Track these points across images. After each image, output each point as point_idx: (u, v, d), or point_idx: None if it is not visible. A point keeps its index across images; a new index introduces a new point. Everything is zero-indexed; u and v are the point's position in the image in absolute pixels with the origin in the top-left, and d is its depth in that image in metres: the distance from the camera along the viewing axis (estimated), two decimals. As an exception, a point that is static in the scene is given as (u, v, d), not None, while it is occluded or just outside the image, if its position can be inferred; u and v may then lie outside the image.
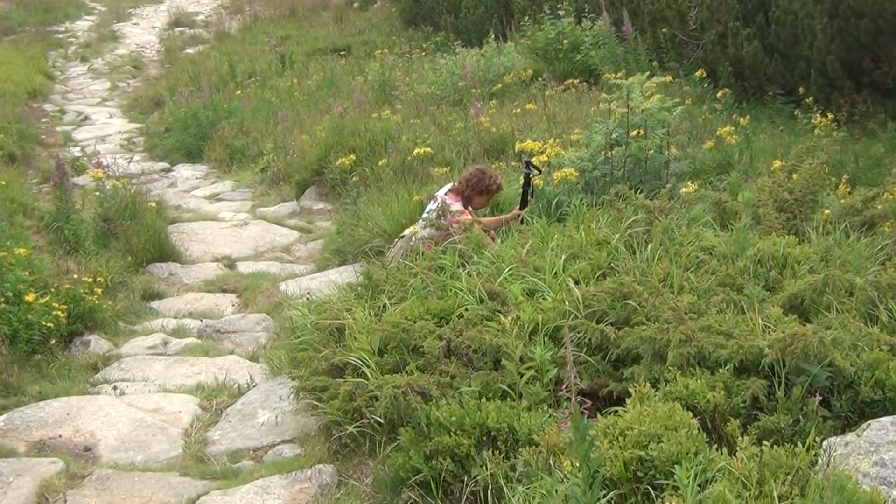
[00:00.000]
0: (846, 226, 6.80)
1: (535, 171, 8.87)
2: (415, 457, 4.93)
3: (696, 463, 3.98)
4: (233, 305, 9.22)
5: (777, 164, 8.58)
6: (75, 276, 8.50)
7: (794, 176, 7.64)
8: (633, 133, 9.06)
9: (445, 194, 8.54)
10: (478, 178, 8.52)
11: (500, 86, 15.62)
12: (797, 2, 12.31)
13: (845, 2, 11.70)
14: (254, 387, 6.97)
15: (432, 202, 8.52)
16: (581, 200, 7.81)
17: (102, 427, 6.35)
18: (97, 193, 10.72)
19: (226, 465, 5.89)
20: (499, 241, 7.66)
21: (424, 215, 8.55)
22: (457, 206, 8.38)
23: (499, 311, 5.83)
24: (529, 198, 8.75)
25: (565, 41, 16.46)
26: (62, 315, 7.69)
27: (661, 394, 4.71)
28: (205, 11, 35.00)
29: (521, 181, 8.81)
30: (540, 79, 15.51)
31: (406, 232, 8.75)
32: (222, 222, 12.12)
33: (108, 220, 10.33)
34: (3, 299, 7.46)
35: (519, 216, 8.57)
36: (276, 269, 10.25)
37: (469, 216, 8.32)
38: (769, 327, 5.14)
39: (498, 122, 12.40)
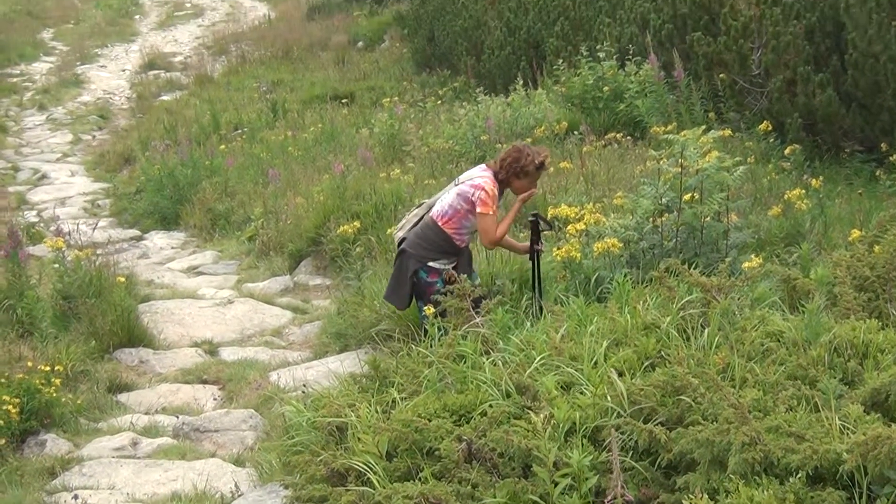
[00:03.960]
0: (939, 307, 6.82)
1: (546, 227, 8.91)
2: (430, 580, 4.93)
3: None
4: (214, 399, 9.24)
5: (856, 233, 8.60)
6: (30, 363, 8.52)
7: (877, 248, 7.66)
8: (687, 197, 9.11)
9: (483, 171, 8.63)
10: (514, 157, 8.47)
11: (529, 140, 15.68)
12: (878, 43, 12.40)
13: (935, 42, 11.80)
14: (240, 496, 6.97)
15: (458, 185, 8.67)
16: (625, 276, 7.83)
17: (60, 545, 6.37)
18: (56, 266, 10.75)
19: None
20: (528, 324, 7.68)
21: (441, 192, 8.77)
22: (488, 177, 8.46)
23: (529, 408, 5.83)
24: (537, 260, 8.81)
25: (606, 88, 16.62)
26: (14, 410, 7.72)
27: (722, 507, 4.71)
28: (183, 52, 35.39)
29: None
30: (576, 132, 15.64)
31: (426, 200, 8.90)
32: (203, 300, 12.18)
33: (69, 298, 10.37)
34: (-56, 391, 7.51)
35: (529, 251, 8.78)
36: (265, 355, 10.28)
37: (493, 211, 8.43)
38: (848, 428, 5.14)
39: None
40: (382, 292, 9.90)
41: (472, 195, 8.32)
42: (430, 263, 8.36)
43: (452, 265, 8.49)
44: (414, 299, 8.56)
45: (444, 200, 8.47)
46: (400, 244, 8.55)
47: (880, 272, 7.26)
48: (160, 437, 8.27)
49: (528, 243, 8.61)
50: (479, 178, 8.43)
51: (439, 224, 8.35)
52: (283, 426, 7.48)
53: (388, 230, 11.72)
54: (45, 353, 9.03)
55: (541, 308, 8.26)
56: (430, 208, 8.57)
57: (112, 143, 23.80)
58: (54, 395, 8.23)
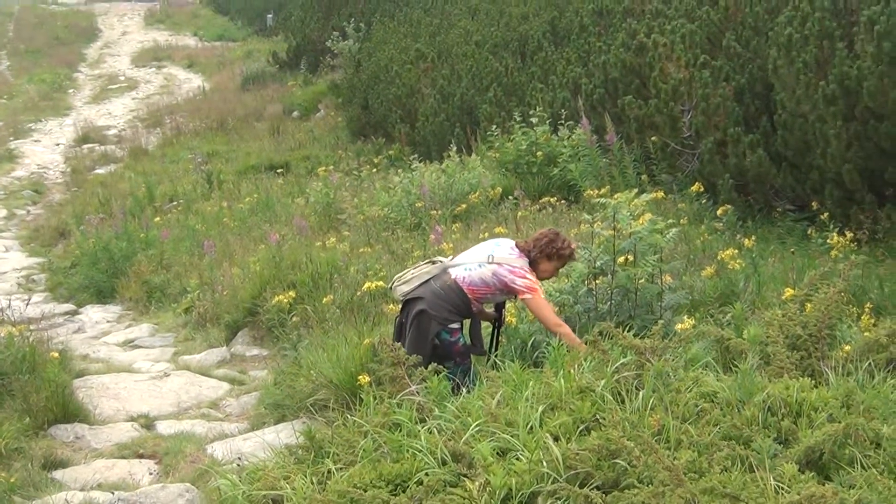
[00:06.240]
0: (870, 364, 6.85)
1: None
2: None
3: None
4: (151, 474, 9.13)
5: (788, 292, 8.66)
6: (-39, 441, 8.44)
7: (809, 307, 7.71)
8: (621, 260, 9.15)
9: (512, 249, 8.64)
10: (549, 239, 8.54)
11: (464, 206, 15.78)
12: (807, 103, 12.54)
13: (862, 103, 11.94)
14: (176, 574, 6.91)
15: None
16: (560, 341, 7.85)
17: None
18: (-11, 342, 10.69)
19: None
20: (464, 391, 7.67)
21: (466, 257, 8.75)
22: (524, 262, 8.50)
23: (465, 476, 5.81)
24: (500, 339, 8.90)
25: (539, 153, 16.72)
26: (-55, 490, 7.62)
27: (658, 571, 4.70)
28: (118, 125, 35.34)
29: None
30: (511, 197, 15.71)
31: (440, 259, 8.88)
32: (138, 374, 12.08)
33: (2, 375, 10.26)
34: None
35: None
36: (202, 428, 10.20)
37: (542, 289, 8.53)
38: (783, 488, 5.16)
39: (463, 248, 12.47)
40: (319, 362, 9.91)
41: (515, 283, 8.38)
42: (452, 325, 8.42)
43: (465, 322, 8.64)
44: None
45: (475, 272, 8.46)
46: (408, 298, 8.54)
47: (812, 330, 7.31)
48: (96, 514, 8.17)
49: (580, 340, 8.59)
50: (519, 267, 8.46)
51: (464, 289, 8.39)
52: (218, 500, 7.40)
53: (324, 299, 11.77)
54: (-23, 432, 8.94)
55: (495, 364, 8.42)
56: (445, 269, 8.56)
57: (46, 218, 23.69)
58: (-13, 473, 8.13)
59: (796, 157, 12.92)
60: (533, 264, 8.54)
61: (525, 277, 8.40)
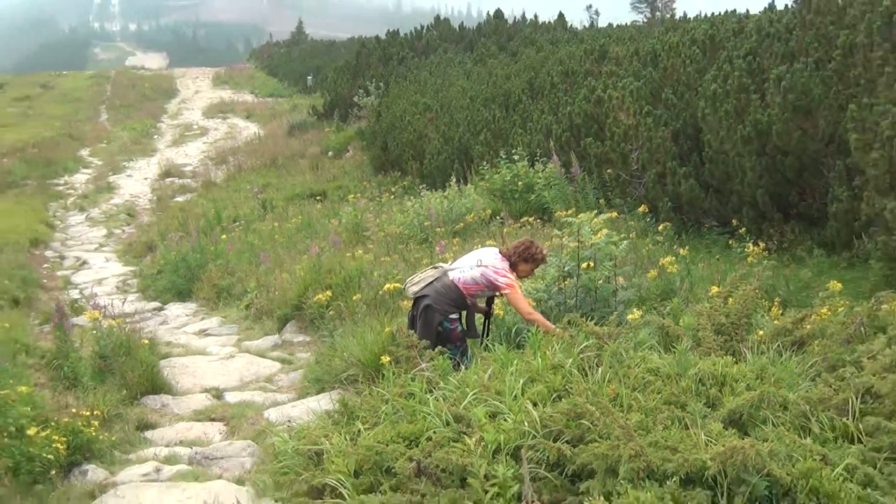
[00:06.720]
0: (779, 345, 6.84)
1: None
2: (389, 572, 4.87)
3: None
4: (220, 433, 9.12)
5: (714, 290, 8.65)
6: (74, 410, 8.41)
7: (730, 301, 7.72)
8: (584, 265, 9.15)
9: (496, 255, 8.67)
10: (525, 246, 8.60)
11: (462, 224, 15.77)
12: (728, 142, 12.57)
13: (772, 141, 11.97)
14: (240, 510, 6.88)
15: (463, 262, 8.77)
16: (537, 328, 7.86)
17: (99, 553, 6.25)
18: (94, 332, 10.64)
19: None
20: (463, 367, 7.67)
21: (461, 262, 8.77)
22: (506, 265, 8.54)
23: (464, 433, 5.81)
24: (490, 327, 8.91)
25: (520, 183, 16.70)
26: (62, 447, 7.59)
27: (615, 506, 4.70)
28: (192, 163, 35.29)
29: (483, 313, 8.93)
30: (498, 217, 15.70)
31: (442, 264, 8.89)
32: (210, 356, 12.06)
33: (105, 357, 10.25)
34: (5, 434, 7.36)
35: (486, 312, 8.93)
36: (260, 398, 10.18)
37: (520, 287, 8.57)
38: (711, 441, 5.14)
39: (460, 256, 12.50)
40: (350, 347, 9.91)
41: (497, 280, 8.42)
42: (451, 316, 8.45)
43: (462, 313, 8.65)
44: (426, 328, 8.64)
45: (467, 273, 8.52)
46: (417, 296, 8.57)
47: (733, 319, 7.31)
48: (178, 464, 8.13)
49: (551, 324, 8.57)
50: (501, 268, 8.51)
51: (460, 288, 8.44)
52: (273, 453, 7.38)
53: (354, 297, 11.75)
54: (86, 402, 8.91)
55: (486, 347, 8.48)
56: (445, 273, 8.59)
57: (137, 236, 23.63)
58: (93, 434, 8.10)
59: (720, 184, 12.93)
60: (513, 266, 8.56)
61: (506, 276, 8.44)
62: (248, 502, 7.00)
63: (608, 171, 15.19)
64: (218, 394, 10.51)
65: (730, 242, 11.98)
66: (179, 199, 28.26)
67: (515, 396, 6.30)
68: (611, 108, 15.95)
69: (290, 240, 17.81)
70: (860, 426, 5.35)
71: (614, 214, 12.51)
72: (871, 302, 7.19)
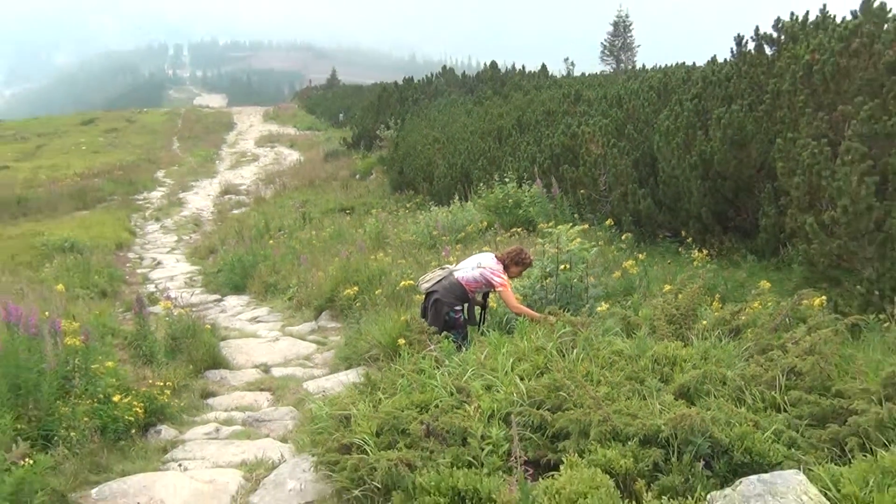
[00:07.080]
0: (719, 333, 6.83)
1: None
2: (404, 514, 4.86)
3: (613, 514, 3.94)
4: (268, 401, 9.10)
5: (667, 287, 8.65)
6: (150, 381, 8.42)
7: (680, 296, 7.70)
8: (562, 267, 9.14)
9: (492, 258, 8.65)
10: (517, 252, 8.58)
11: (463, 234, 15.76)
12: (678, 168, 12.56)
13: (713, 168, 11.96)
14: (284, 462, 6.85)
15: (471, 263, 8.74)
16: (524, 318, 7.84)
17: (170, 496, 6.22)
18: (167, 319, 10.65)
19: (262, 523, 5.77)
20: (464, 349, 7.66)
21: (464, 264, 8.76)
22: (500, 267, 8.51)
23: (465, 402, 5.80)
24: (486, 316, 8.90)
25: (510, 200, 16.68)
26: (140, 411, 7.59)
27: (586, 461, 4.68)
28: (246, 183, 35.30)
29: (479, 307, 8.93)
30: (492, 228, 15.67)
31: (448, 266, 8.88)
32: (260, 338, 12.04)
33: (175, 339, 10.24)
34: (95, 400, 7.37)
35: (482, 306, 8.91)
36: (300, 373, 10.16)
37: (511, 286, 8.59)
38: (664, 410, 5.14)
39: (463, 260, 12.47)
40: (372, 332, 9.89)
41: (493, 280, 8.40)
42: (456, 307, 8.43)
43: (465, 305, 8.62)
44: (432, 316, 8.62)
45: (469, 274, 8.49)
46: (428, 291, 8.55)
47: (682, 311, 7.29)
48: (234, 425, 8.12)
49: (536, 313, 8.56)
50: (497, 270, 8.48)
51: (463, 285, 8.43)
52: (310, 417, 7.38)
53: (376, 292, 11.72)
54: (160, 374, 8.90)
55: (483, 333, 8.49)
56: (451, 272, 8.59)
57: (202, 241, 23.62)
58: (166, 400, 8.10)
59: (671, 203, 12.92)
60: (506, 268, 8.54)
61: (500, 277, 8.41)
62: (290, 456, 6.99)
63: (581, 191, 15.20)
64: (266, 369, 10.50)
65: (679, 249, 11.98)
66: (236, 212, 28.26)
67: (506, 372, 6.29)
68: (583, 141, 15.96)
69: (325, 245, 17.79)
70: (785, 398, 5.35)
71: (586, 226, 12.51)
72: (794, 298, 7.18)
